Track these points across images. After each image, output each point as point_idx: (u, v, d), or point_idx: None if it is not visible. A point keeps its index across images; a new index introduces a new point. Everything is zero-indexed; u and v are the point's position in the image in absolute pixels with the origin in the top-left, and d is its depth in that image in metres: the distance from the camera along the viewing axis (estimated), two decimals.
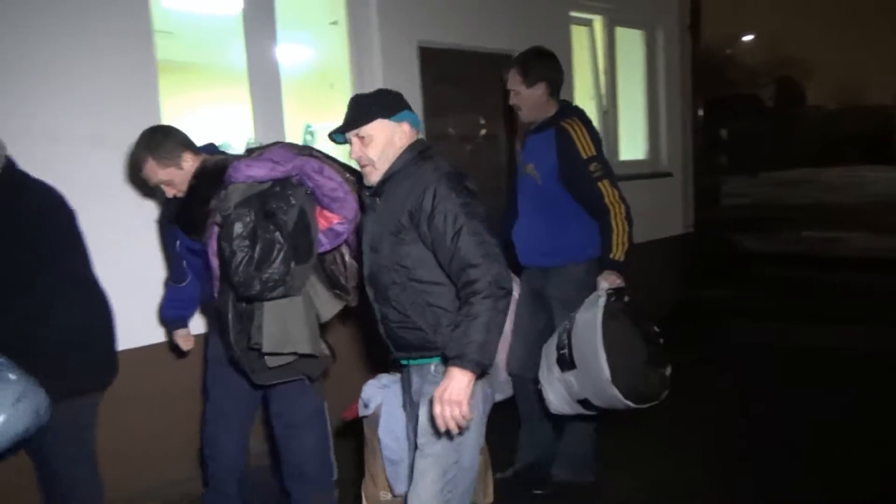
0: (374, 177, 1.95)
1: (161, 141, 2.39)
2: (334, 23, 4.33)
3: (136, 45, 3.04)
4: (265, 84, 3.54)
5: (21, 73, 2.70)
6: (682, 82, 6.25)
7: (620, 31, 5.75)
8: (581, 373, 2.39)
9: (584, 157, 2.66)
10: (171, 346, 2.86)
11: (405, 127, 1.96)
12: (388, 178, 1.94)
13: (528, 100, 2.80)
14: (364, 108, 1.94)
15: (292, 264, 2.14)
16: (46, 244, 2.13)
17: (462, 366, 1.67)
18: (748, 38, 28.36)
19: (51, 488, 2.36)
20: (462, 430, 1.74)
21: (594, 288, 2.60)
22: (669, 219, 6.19)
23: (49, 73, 2.77)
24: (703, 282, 6.55)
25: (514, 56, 4.65)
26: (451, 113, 4.54)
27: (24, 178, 2.18)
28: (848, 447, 3.35)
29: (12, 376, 1.96)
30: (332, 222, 2.29)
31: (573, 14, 5.21)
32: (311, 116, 5.62)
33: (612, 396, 2.32)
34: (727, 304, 6.39)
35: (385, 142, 1.93)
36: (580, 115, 2.85)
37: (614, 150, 5.73)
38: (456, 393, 1.66)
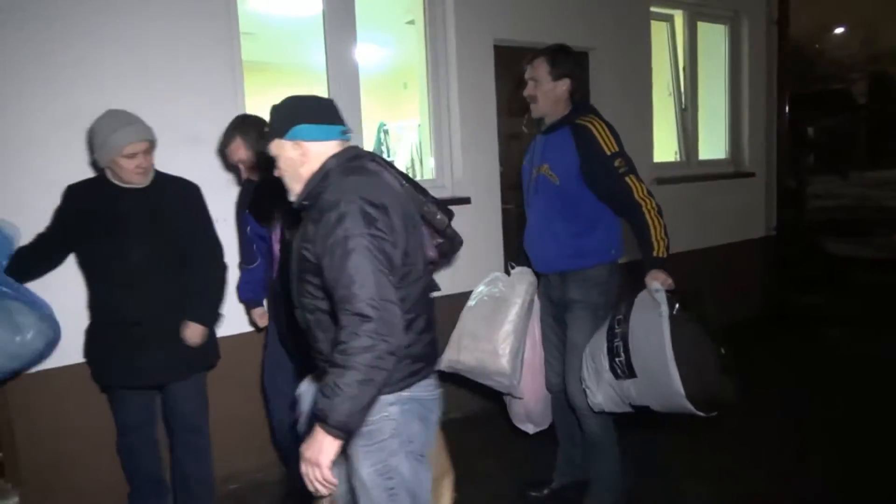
0: (293, 198, 1.75)
1: (253, 124, 2.68)
2: (410, 22, 4.37)
3: (223, 47, 3.15)
4: (344, 83, 3.60)
5: (116, 77, 2.85)
6: (768, 78, 5.97)
7: (702, 26, 5.55)
8: (644, 383, 2.29)
9: (608, 153, 2.56)
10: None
11: (301, 144, 1.67)
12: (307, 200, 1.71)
13: (550, 94, 2.70)
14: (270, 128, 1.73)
15: None
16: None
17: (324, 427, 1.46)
18: (839, 31, 26.86)
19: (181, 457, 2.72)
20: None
21: (614, 290, 2.60)
22: (752, 221, 5.94)
23: (141, 76, 2.91)
24: (789, 287, 6.25)
25: (592, 53, 4.63)
26: (526, 111, 4.49)
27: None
28: None
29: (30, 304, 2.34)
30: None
31: (654, 9, 5.07)
32: (385, 115, 5.71)
33: (682, 407, 2.22)
34: (814, 309, 6.07)
35: (285, 163, 1.71)
36: (596, 112, 2.76)
37: (693, 149, 5.54)
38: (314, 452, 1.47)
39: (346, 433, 1.47)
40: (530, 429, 3.04)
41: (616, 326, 2.39)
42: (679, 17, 5.38)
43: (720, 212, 5.52)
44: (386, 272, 1.51)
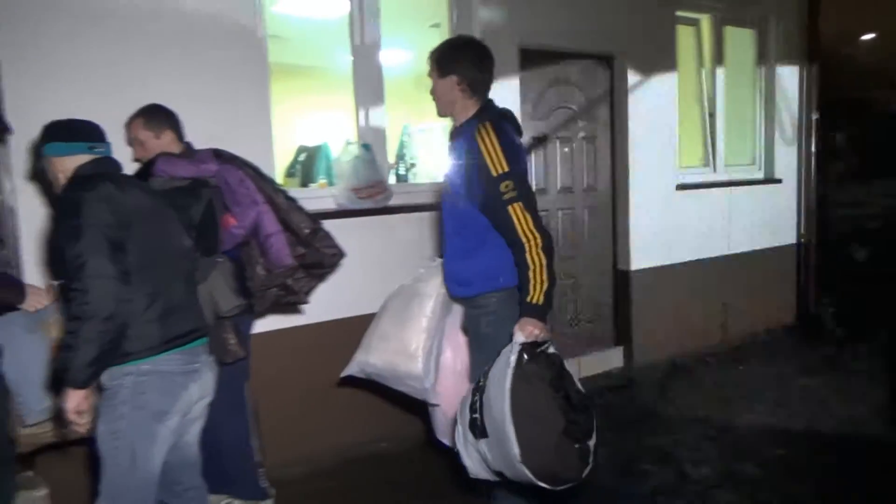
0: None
1: (156, 110, 2.67)
2: (436, 25, 4.39)
3: (251, 50, 3.19)
4: (369, 86, 3.63)
5: (143, 81, 2.90)
6: (797, 83, 5.89)
7: (729, 31, 5.49)
8: (493, 443, 2.01)
9: (494, 173, 2.14)
10: None
11: (53, 160, 2.02)
12: None
13: (440, 94, 2.37)
14: None
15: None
16: None
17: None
18: (869, 36, 26.44)
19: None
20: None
21: (509, 323, 2.12)
22: (781, 228, 5.85)
23: (169, 80, 2.96)
24: (819, 295, 6.14)
25: (617, 57, 4.62)
26: (550, 115, 4.50)
27: None
28: None
29: None
30: (230, 225, 2.56)
31: (680, 13, 5.03)
32: (409, 118, 5.73)
33: (523, 475, 1.94)
34: (844, 319, 5.95)
35: (52, 178, 2.06)
36: (498, 115, 2.33)
37: (719, 154, 5.48)
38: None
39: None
40: (452, 443, 2.64)
41: (481, 379, 2.10)
42: (706, 21, 5.33)
43: (747, 218, 5.46)
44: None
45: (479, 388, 2.09)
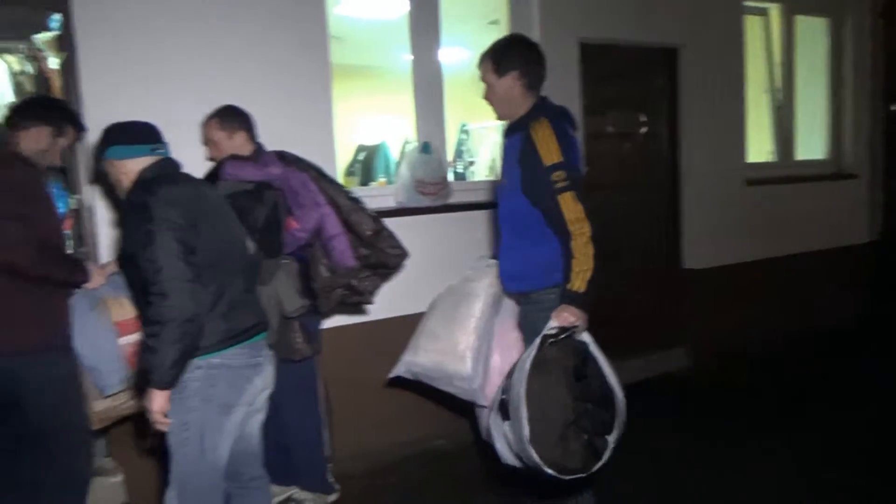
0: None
1: (231, 112, 2.74)
2: (494, 22, 4.37)
3: (314, 51, 3.25)
4: (428, 85, 3.65)
5: (211, 82, 3.00)
6: (873, 74, 5.60)
7: (800, 20, 5.27)
8: (513, 425, 2.02)
9: (546, 164, 2.16)
10: None
11: (115, 163, 2.05)
12: None
13: (500, 95, 2.36)
14: None
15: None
16: None
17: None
18: None
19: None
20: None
21: None
22: (853, 225, 5.58)
23: (236, 81, 3.05)
24: (889, 295, 5.83)
25: (681, 50, 4.49)
26: (611, 110, 4.41)
27: None
28: None
29: None
30: (292, 228, 2.59)
31: (747, 3, 4.86)
32: (467, 116, 5.73)
33: (532, 458, 1.93)
34: None
35: (115, 181, 2.11)
36: (552, 111, 2.35)
37: (789, 148, 5.27)
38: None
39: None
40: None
41: (515, 364, 2.13)
42: (775, 10, 5.13)
43: (818, 215, 5.23)
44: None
45: (510, 372, 2.12)
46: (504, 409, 2.06)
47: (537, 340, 2.04)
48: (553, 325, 2.08)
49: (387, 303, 3.34)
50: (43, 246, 2.16)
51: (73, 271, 2.32)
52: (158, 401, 1.87)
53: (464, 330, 2.54)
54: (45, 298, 2.23)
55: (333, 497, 2.91)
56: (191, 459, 1.98)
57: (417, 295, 3.32)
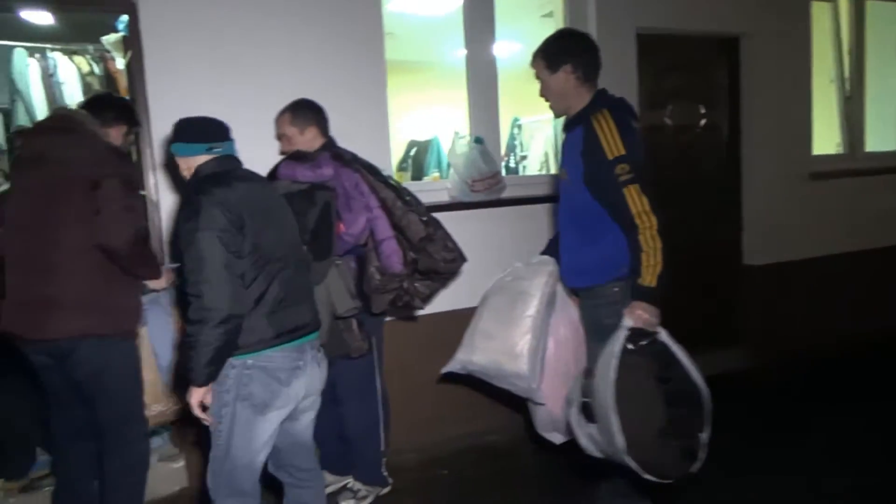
0: None
1: (303, 106, 2.75)
2: (548, 14, 4.33)
3: (369, 47, 3.28)
4: (482, 79, 3.63)
5: (272, 78, 3.05)
6: None
7: (872, 5, 5.02)
8: (601, 429, 2.03)
9: (610, 157, 2.14)
10: None
11: (179, 159, 2.10)
12: None
13: (554, 90, 2.34)
14: None
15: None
16: None
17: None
18: None
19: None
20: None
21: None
22: None
23: (295, 77, 3.09)
24: None
25: (743, 38, 4.34)
26: (668, 102, 4.30)
27: None
28: None
29: None
30: (340, 231, 2.59)
31: None
32: (519, 110, 5.69)
33: (630, 465, 1.94)
34: None
35: (182, 174, 2.14)
36: (613, 103, 2.30)
37: (858, 140, 5.03)
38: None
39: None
40: (557, 438, 2.67)
41: (593, 364, 2.11)
42: None
43: (889, 210, 4.97)
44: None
45: (590, 373, 2.10)
46: (586, 410, 2.06)
47: (617, 347, 2.00)
48: (628, 323, 2.05)
49: (440, 297, 3.35)
50: (138, 238, 2.27)
51: (153, 268, 2.42)
52: (196, 396, 1.93)
53: (520, 329, 2.52)
54: (129, 289, 2.34)
55: (386, 489, 2.94)
56: (219, 452, 2.01)
57: (470, 290, 3.29)
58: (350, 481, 2.92)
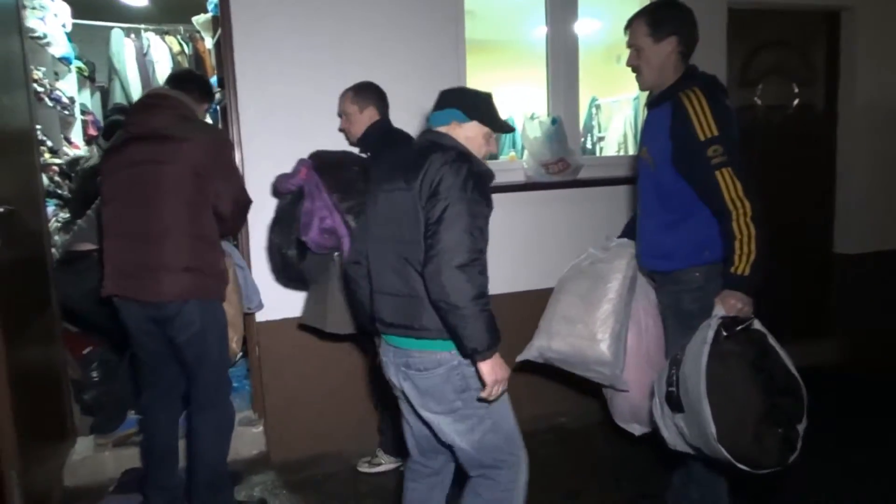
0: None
1: (365, 87, 2.84)
2: None
3: (449, 26, 3.26)
4: (564, 59, 3.54)
5: (356, 55, 3.09)
6: None
7: None
8: (689, 419, 1.95)
9: (702, 138, 2.02)
10: None
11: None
12: None
13: (653, 60, 2.20)
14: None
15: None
16: None
17: None
18: None
19: None
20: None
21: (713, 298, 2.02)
22: None
23: (378, 56, 3.12)
24: None
25: (845, 13, 4.06)
26: (760, 81, 4.09)
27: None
28: None
29: None
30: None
31: None
32: (597, 90, 5.56)
33: (721, 454, 1.85)
34: None
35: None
36: (705, 81, 2.17)
37: None
38: None
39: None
40: (636, 429, 2.60)
41: (679, 353, 2.03)
42: None
43: None
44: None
45: (675, 362, 2.02)
46: (671, 400, 2.01)
47: (709, 335, 1.93)
48: (719, 311, 1.97)
49: (515, 278, 3.34)
50: (237, 201, 2.52)
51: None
52: (496, 360, 1.76)
53: (602, 313, 2.46)
54: (220, 256, 2.50)
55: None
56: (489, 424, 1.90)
57: (546, 270, 3.28)
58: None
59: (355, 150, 2.91)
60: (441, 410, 1.87)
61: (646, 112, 2.38)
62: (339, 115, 2.93)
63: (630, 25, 2.26)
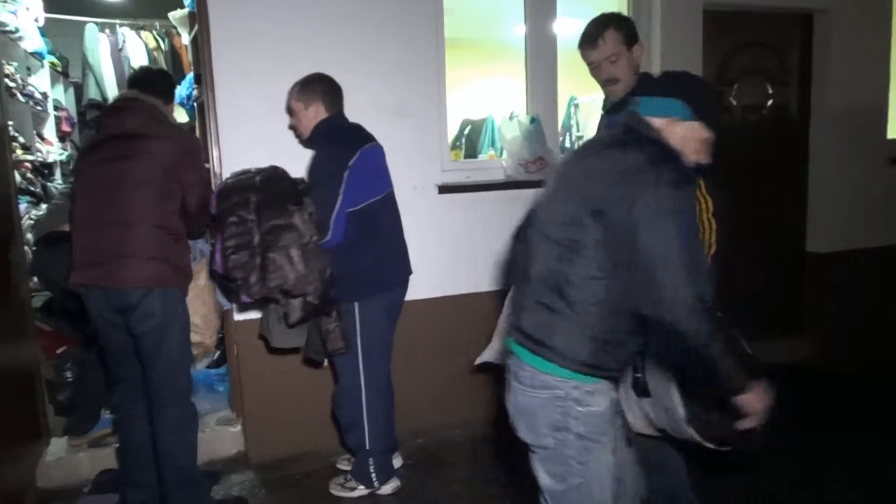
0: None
1: (311, 81, 2.69)
2: None
3: (429, 24, 3.25)
4: (542, 58, 3.56)
5: (336, 54, 3.06)
6: None
7: None
8: (656, 404, 2.02)
9: None
10: None
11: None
12: None
13: (632, 66, 2.23)
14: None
15: None
16: None
17: None
18: None
19: None
20: None
21: None
22: None
23: (358, 55, 3.10)
24: None
25: (817, 15, 4.13)
26: (735, 81, 4.15)
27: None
28: None
29: None
30: None
31: None
32: (577, 89, 5.58)
33: (688, 435, 1.93)
34: None
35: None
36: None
37: None
38: None
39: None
40: None
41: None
42: None
43: None
44: None
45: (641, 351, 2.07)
46: (637, 386, 2.06)
47: None
48: None
49: (483, 278, 3.35)
50: (202, 196, 2.54)
51: (205, 229, 2.67)
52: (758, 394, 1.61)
53: None
54: (186, 250, 2.54)
55: (371, 490, 2.87)
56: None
57: None
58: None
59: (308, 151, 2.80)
60: (529, 440, 1.65)
61: (604, 119, 2.43)
62: (286, 111, 2.82)
63: (601, 37, 2.24)
